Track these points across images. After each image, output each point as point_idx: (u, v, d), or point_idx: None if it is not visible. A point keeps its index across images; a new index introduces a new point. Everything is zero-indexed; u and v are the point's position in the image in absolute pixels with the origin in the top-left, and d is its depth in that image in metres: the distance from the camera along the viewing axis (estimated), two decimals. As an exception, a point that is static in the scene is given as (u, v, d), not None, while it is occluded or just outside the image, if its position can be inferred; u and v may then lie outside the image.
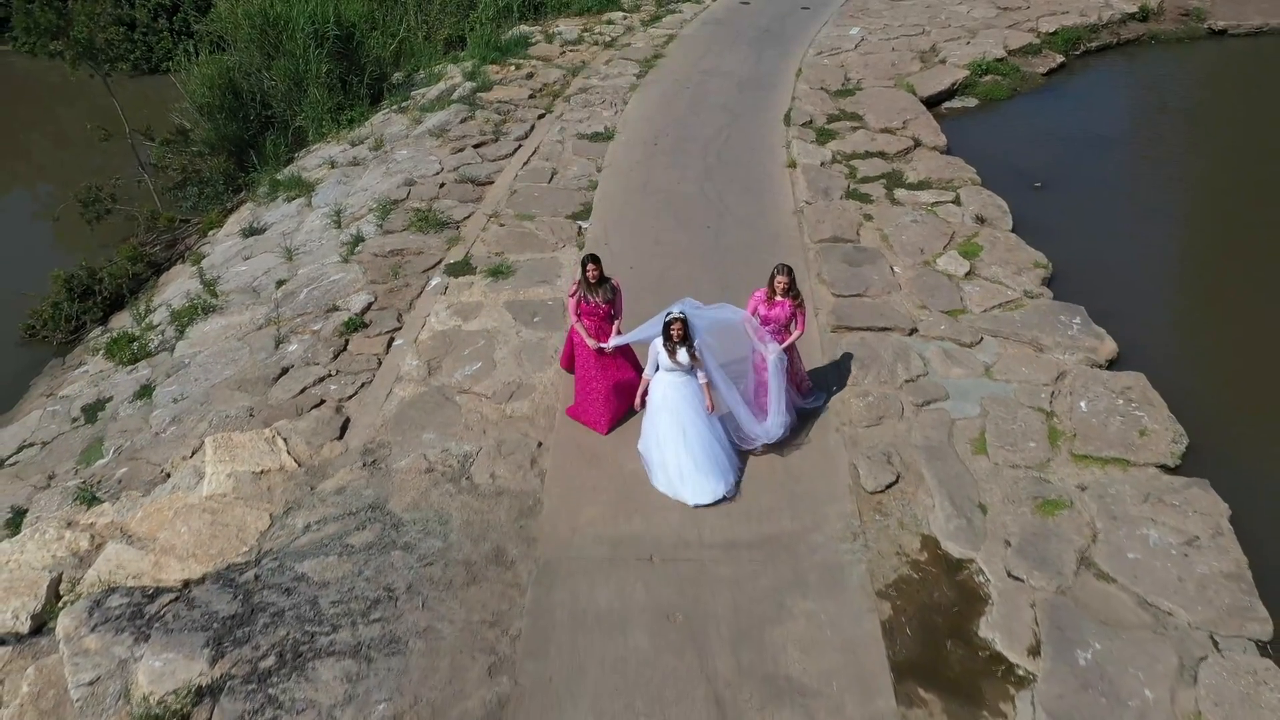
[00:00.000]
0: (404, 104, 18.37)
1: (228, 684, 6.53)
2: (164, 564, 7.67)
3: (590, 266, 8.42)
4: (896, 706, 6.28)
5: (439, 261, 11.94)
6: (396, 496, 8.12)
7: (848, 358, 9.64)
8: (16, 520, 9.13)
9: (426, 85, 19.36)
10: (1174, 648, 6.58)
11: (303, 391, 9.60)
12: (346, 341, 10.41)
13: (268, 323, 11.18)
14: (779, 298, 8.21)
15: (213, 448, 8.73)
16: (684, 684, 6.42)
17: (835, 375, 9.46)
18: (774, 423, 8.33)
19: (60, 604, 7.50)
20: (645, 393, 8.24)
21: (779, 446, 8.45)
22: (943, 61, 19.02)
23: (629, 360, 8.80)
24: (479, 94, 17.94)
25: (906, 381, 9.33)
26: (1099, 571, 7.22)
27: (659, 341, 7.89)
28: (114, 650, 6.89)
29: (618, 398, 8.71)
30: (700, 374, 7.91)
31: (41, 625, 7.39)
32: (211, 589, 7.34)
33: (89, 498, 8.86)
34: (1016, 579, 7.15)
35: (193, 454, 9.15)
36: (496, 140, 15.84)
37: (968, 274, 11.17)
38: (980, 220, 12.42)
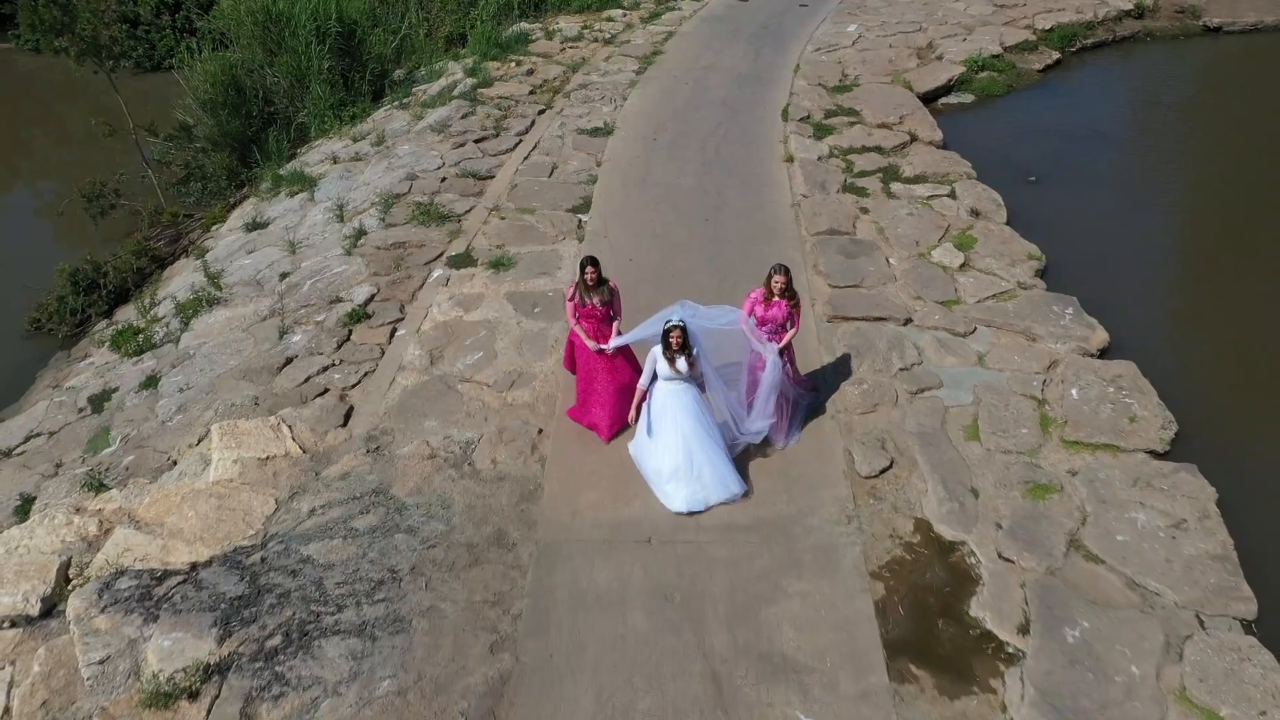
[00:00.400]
0: (405, 100, 18.54)
1: (235, 662, 6.68)
2: (172, 547, 7.82)
3: (589, 269, 8.35)
4: (889, 682, 6.43)
5: (441, 254, 12.10)
6: (400, 482, 8.27)
7: (843, 347, 9.79)
8: (25, 507, 9.28)
9: (428, 82, 19.54)
10: (1160, 626, 6.73)
11: (307, 380, 9.76)
12: (350, 332, 10.57)
13: (272, 314, 11.34)
14: (776, 298, 8.16)
15: (219, 435, 8.88)
16: (681, 661, 6.56)
17: (831, 364, 9.62)
18: (757, 426, 8.28)
19: (69, 587, 7.63)
20: (640, 403, 8.10)
21: (766, 445, 8.45)
22: (939, 58, 19.19)
23: (631, 362, 8.69)
24: (480, 90, 18.10)
25: (901, 370, 9.49)
26: (1088, 553, 7.37)
27: (657, 350, 7.76)
28: (124, 630, 7.03)
29: (621, 401, 8.54)
30: (699, 381, 7.88)
31: (51, 608, 7.51)
32: (219, 571, 7.49)
33: (96, 485, 9.01)
34: (1007, 560, 7.30)
35: (199, 441, 9.31)
36: (497, 135, 16.00)
37: (962, 266, 11.33)
38: (975, 213, 12.58)
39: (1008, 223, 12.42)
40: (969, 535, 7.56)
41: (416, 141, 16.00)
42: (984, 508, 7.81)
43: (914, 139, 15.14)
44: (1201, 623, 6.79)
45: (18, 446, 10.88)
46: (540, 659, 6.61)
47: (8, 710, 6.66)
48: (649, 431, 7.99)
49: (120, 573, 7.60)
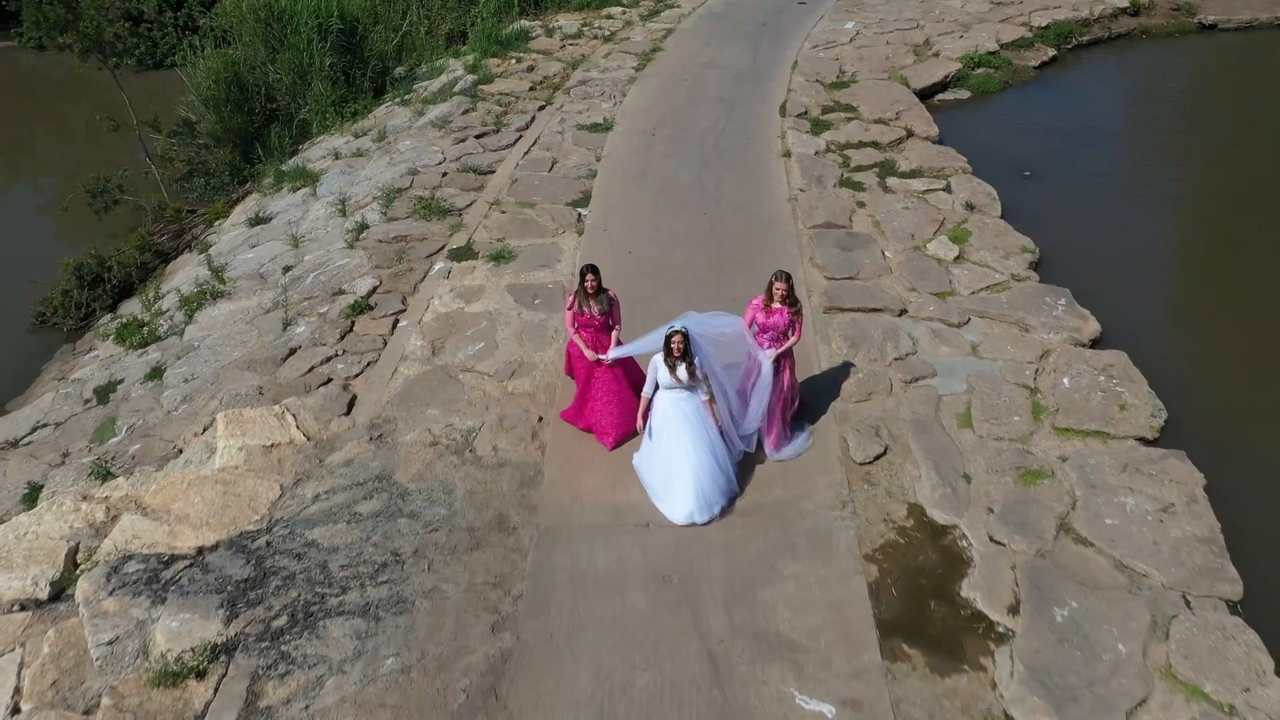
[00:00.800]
0: (406, 97, 18.69)
1: (242, 642, 6.82)
2: (178, 532, 7.96)
3: (589, 277, 8.22)
4: (881, 660, 6.57)
5: (442, 247, 12.26)
6: (402, 468, 8.42)
7: (839, 337, 9.93)
8: (33, 495, 9.42)
9: (428, 79, 19.69)
10: (1147, 606, 6.87)
11: (310, 370, 9.90)
12: (352, 323, 10.72)
13: (275, 306, 11.48)
14: (777, 304, 8.05)
15: (224, 423, 9.03)
16: (679, 640, 6.71)
17: (826, 354, 9.76)
18: (749, 429, 8.22)
19: (78, 571, 7.76)
20: (645, 412, 8.00)
21: (759, 452, 8.38)
22: (936, 55, 19.35)
23: (631, 373, 8.58)
24: (480, 87, 18.26)
25: (896, 359, 9.64)
26: (1077, 536, 7.52)
27: (659, 358, 7.63)
28: (132, 612, 7.17)
29: (620, 413, 8.44)
30: (702, 391, 7.71)
31: (60, 592, 7.64)
32: (225, 555, 7.63)
33: (103, 473, 9.14)
34: (998, 543, 7.45)
35: (204, 430, 9.45)
36: (498, 131, 16.16)
37: (957, 258, 11.48)
38: (970, 207, 12.73)
39: (1002, 216, 12.58)
40: (961, 519, 7.71)
41: (418, 137, 16.16)
42: (976, 493, 7.96)
43: (910, 134, 15.30)
44: (1188, 603, 6.93)
45: (24, 437, 11.01)
46: (540, 638, 6.76)
47: (18, 690, 6.78)
48: (650, 439, 7.91)
49: (128, 557, 7.74)
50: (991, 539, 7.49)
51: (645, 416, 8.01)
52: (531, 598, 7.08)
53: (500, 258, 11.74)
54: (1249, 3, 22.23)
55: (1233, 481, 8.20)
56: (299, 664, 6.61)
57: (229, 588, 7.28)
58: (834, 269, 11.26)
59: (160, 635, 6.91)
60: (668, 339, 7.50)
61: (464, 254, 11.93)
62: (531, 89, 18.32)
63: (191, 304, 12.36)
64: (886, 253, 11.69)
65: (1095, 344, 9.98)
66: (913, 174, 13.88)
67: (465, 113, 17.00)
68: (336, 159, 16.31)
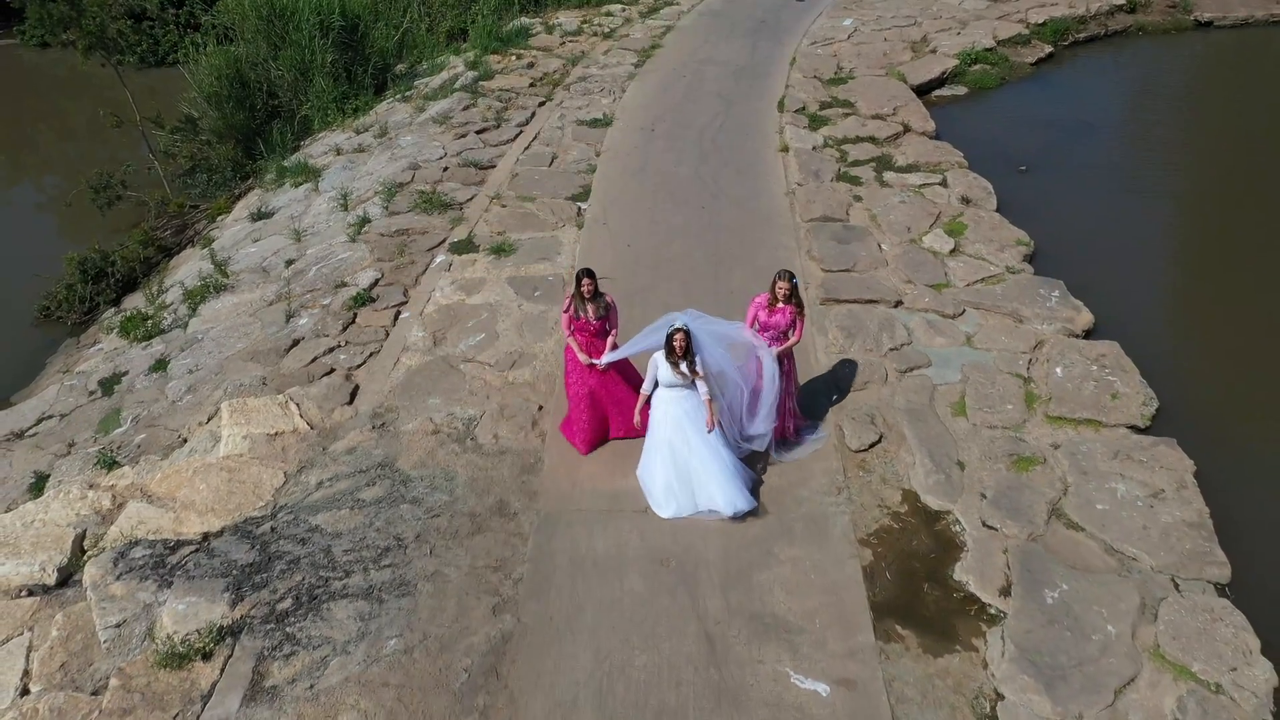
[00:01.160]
0: (407, 93, 18.82)
1: (247, 624, 6.94)
2: (184, 518, 8.09)
3: (585, 281, 8.08)
4: (875, 641, 6.69)
5: (443, 240, 12.39)
6: (404, 456, 8.54)
7: (836, 328, 10.06)
8: (39, 484, 9.53)
9: (429, 75, 19.82)
10: (1137, 589, 7.00)
11: (313, 361, 10.03)
12: (355, 315, 10.85)
13: (278, 299, 11.60)
14: (780, 304, 8.00)
15: (228, 412, 9.16)
16: (676, 621, 6.83)
17: (823, 344, 9.89)
18: (760, 429, 8.15)
19: (85, 558, 7.89)
20: (643, 408, 7.97)
21: (768, 456, 8.32)
22: (933, 51, 19.47)
23: (624, 378, 8.46)
24: (481, 83, 18.39)
25: (891, 349, 9.76)
26: (1069, 521, 7.64)
27: (660, 355, 7.61)
28: (139, 595, 7.29)
29: (603, 419, 8.44)
30: (702, 388, 7.64)
31: (68, 578, 7.77)
32: (230, 540, 7.76)
33: (109, 462, 9.26)
34: (991, 528, 7.58)
35: (209, 420, 9.57)
36: (498, 126, 16.28)
37: (952, 251, 11.60)
38: (966, 201, 12.86)
39: (998, 210, 12.69)
40: (954, 505, 7.83)
41: (419, 133, 16.29)
42: (969, 479, 8.08)
43: (907, 130, 15.41)
44: (1176, 586, 7.06)
45: (30, 428, 11.13)
46: (541, 620, 6.88)
47: (27, 672, 6.90)
48: (650, 437, 7.91)
49: (134, 543, 7.87)
50: (984, 524, 7.62)
51: (644, 414, 8.00)
52: (532, 581, 7.21)
53: (501, 251, 11.86)
54: (1245, 0, 22.34)
55: (1222, 468, 8.33)
56: (303, 645, 6.73)
57: (234, 572, 7.40)
58: (831, 261, 11.39)
59: (167, 618, 7.03)
60: (669, 336, 7.46)
61: (465, 247, 12.06)
62: (532, 85, 18.45)
63: (195, 297, 12.49)
64: (883, 245, 11.81)
65: (1088, 335, 10.10)
66: (909, 168, 14.00)
67: (466, 108, 17.13)
68: (338, 155, 16.44)
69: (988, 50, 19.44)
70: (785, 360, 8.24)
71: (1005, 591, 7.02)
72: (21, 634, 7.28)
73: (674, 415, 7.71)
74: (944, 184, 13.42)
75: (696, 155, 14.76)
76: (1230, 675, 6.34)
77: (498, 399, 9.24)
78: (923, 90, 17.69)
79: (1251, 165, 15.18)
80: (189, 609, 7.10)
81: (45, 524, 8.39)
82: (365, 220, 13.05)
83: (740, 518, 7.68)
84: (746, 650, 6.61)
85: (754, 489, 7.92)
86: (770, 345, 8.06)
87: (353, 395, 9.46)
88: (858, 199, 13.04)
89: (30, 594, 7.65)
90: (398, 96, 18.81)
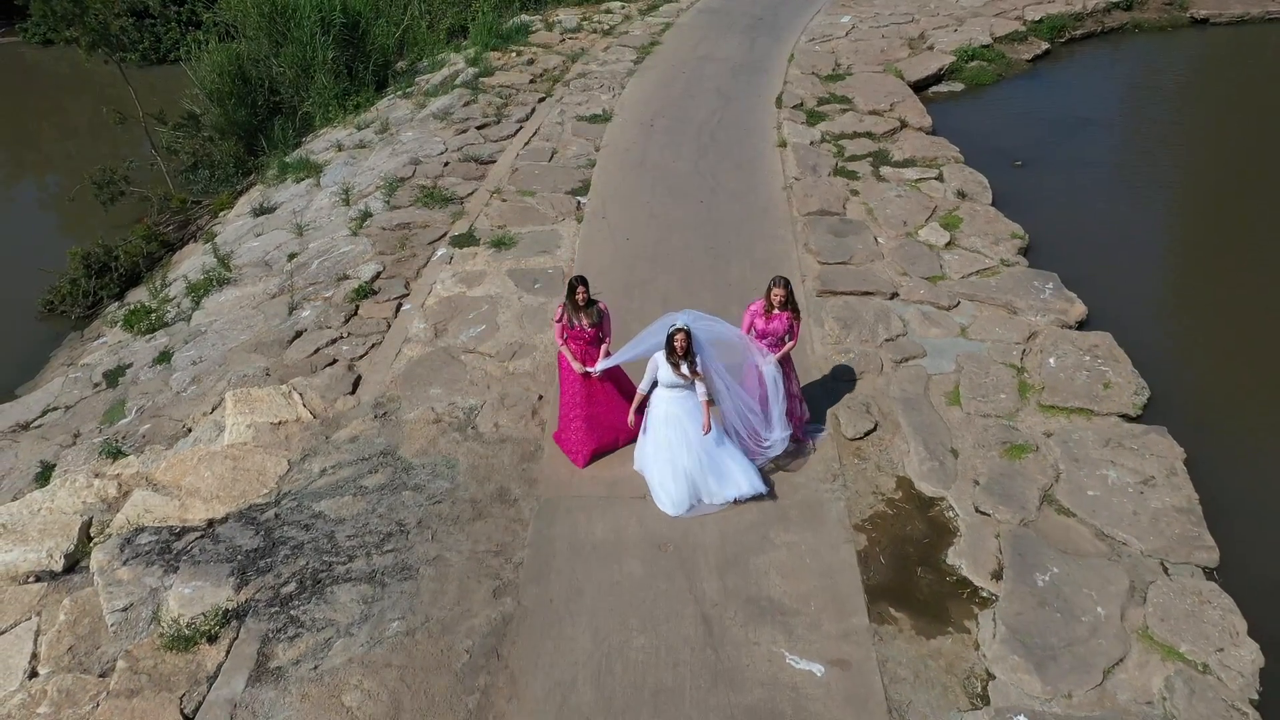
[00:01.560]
0: (408, 90, 18.95)
1: (252, 607, 7.06)
2: (189, 505, 8.21)
3: (579, 290, 8.02)
4: (869, 623, 6.81)
5: (444, 234, 12.51)
6: (406, 444, 8.66)
7: (832, 319, 10.18)
8: (45, 474, 9.66)
9: (430, 72, 19.95)
10: (1126, 572, 7.12)
11: (316, 352, 10.16)
12: (357, 307, 10.97)
13: (281, 292, 11.72)
14: (776, 310, 7.98)
15: (233, 401, 9.27)
16: (674, 604, 6.96)
17: (819, 335, 10.01)
18: (778, 434, 8.06)
19: (91, 544, 8.00)
20: (640, 409, 7.97)
21: (782, 459, 8.26)
22: (930, 48, 19.59)
23: (619, 386, 8.41)
24: (481, 79, 18.53)
25: (886, 340, 9.88)
26: (1060, 507, 7.76)
27: (660, 355, 7.57)
28: (145, 580, 7.40)
29: (601, 428, 8.30)
30: (700, 389, 7.62)
31: (74, 564, 7.88)
32: (235, 526, 7.87)
33: (114, 451, 9.39)
34: (983, 513, 7.70)
35: (213, 410, 9.70)
36: (498, 122, 16.42)
37: (948, 244, 11.73)
38: (961, 195, 12.98)
39: (993, 204, 12.83)
40: (948, 491, 7.95)
41: (420, 128, 16.41)
42: (963, 466, 8.20)
43: (904, 125, 15.54)
44: (1166, 569, 7.18)
45: (35, 420, 11.26)
46: (541, 602, 7.00)
47: (35, 655, 7.01)
48: (646, 436, 7.94)
49: (140, 529, 7.98)
50: (977, 509, 7.74)
51: (640, 412, 8.02)
52: (532, 565, 7.33)
53: (501, 244, 11.99)
54: (1242, -3, 22.49)
55: (1212, 455, 8.46)
56: (308, 627, 6.85)
57: (239, 557, 7.52)
58: (827, 254, 11.51)
59: (173, 601, 7.14)
60: (670, 337, 7.45)
61: (466, 240, 12.18)
62: (532, 81, 18.58)
63: (198, 291, 12.61)
64: (879, 239, 11.94)
65: (1081, 326, 10.21)
66: (906, 163, 14.13)
67: (466, 104, 17.26)
68: (339, 150, 16.56)
69: (985, 47, 19.57)
70: (785, 367, 8.23)
71: (997, 575, 7.13)
72: (29, 619, 7.39)
73: (673, 414, 7.74)
74: (940, 178, 13.55)
75: (695, 150, 14.89)
76: (1217, 655, 6.46)
77: (498, 389, 9.36)
78: (920, 87, 17.82)
79: (1244, 161, 15.32)
80: (195, 593, 7.21)
81: (52, 512, 8.50)
82: (367, 215, 13.17)
83: (744, 501, 7.80)
84: (743, 632, 6.72)
85: (762, 478, 7.93)
86: (769, 351, 8.04)
87: (355, 385, 9.58)
88: (854, 193, 13.16)
89: (38, 580, 7.77)
90: (399, 93, 18.94)
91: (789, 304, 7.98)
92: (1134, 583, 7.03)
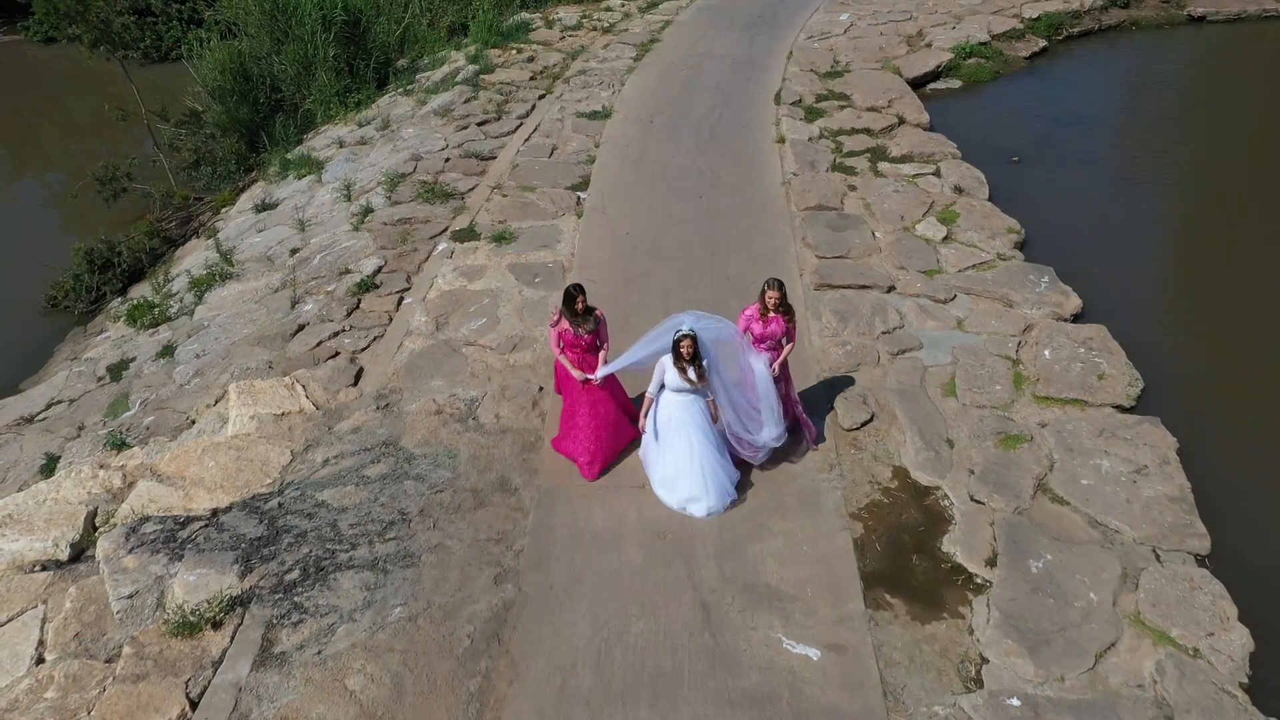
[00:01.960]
0: (409, 87, 19.04)
1: (257, 594, 7.15)
2: (193, 495, 8.30)
3: (579, 298, 7.98)
4: (865, 609, 6.91)
5: (445, 229, 12.61)
6: (408, 435, 8.76)
7: (829, 312, 10.27)
8: (51, 466, 9.76)
9: (431, 69, 20.04)
10: (1119, 559, 7.21)
11: (319, 345, 10.25)
12: (359, 301, 11.07)
13: (283, 286, 11.82)
14: (771, 313, 7.95)
15: (236, 393, 9.37)
16: (672, 590, 7.05)
17: (817, 328, 10.11)
18: (774, 433, 8.10)
19: (97, 533, 8.09)
20: (648, 412, 7.91)
21: (776, 455, 8.31)
22: (928, 45, 19.69)
23: (617, 394, 8.43)
24: (482, 76, 18.64)
25: (883, 333, 9.98)
26: (1054, 495, 7.86)
27: (667, 360, 7.57)
28: (150, 568, 7.49)
29: (608, 437, 8.23)
30: (707, 392, 7.70)
31: (80, 553, 7.96)
32: (239, 515, 7.96)
33: (119, 443, 9.48)
34: (978, 502, 7.79)
35: (216, 402, 9.79)
36: (499, 119, 16.52)
37: (945, 238, 11.83)
38: (958, 190, 13.08)
39: (990, 199, 12.93)
40: (943, 480, 8.05)
41: (421, 125, 16.51)
42: (958, 456, 8.30)
43: (902, 122, 15.64)
44: (1157, 556, 7.28)
45: (40, 413, 11.36)
46: (541, 589, 7.10)
47: (42, 642, 7.10)
48: (656, 439, 7.90)
49: (145, 519, 8.06)
50: (972, 498, 7.83)
51: (646, 415, 7.96)
52: (532, 552, 7.43)
53: (502, 238, 12.09)
54: (1238, -5, 22.57)
55: (1204, 445, 8.57)
56: (311, 613, 6.94)
57: (243, 545, 7.61)
58: (825, 248, 11.61)
59: (178, 589, 7.23)
60: (676, 343, 7.46)
61: (467, 235, 12.28)
62: (532, 78, 18.68)
63: (201, 285, 12.71)
64: (876, 233, 12.04)
65: (1076, 319, 10.31)
66: (903, 159, 14.23)
67: (467, 101, 17.36)
68: (341, 147, 16.66)
69: (982, 44, 19.67)
70: (781, 371, 8.17)
71: (991, 562, 7.23)
72: (36, 606, 7.47)
73: (679, 419, 7.75)
74: (937, 174, 13.65)
75: (694, 146, 14.99)
76: (1208, 640, 6.56)
77: (499, 380, 9.46)
78: (918, 84, 17.92)
79: (1240, 157, 15.43)
80: (199, 580, 7.30)
81: (58, 502, 8.60)
82: (368, 210, 13.27)
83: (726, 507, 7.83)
84: (740, 617, 6.82)
85: (737, 485, 8.00)
86: (766, 355, 8.02)
87: (357, 377, 9.68)
88: (852, 188, 13.26)
89: (44, 569, 7.85)
90: (399, 90, 19.04)
91: (783, 306, 7.95)
92: (1126, 569, 7.13)
